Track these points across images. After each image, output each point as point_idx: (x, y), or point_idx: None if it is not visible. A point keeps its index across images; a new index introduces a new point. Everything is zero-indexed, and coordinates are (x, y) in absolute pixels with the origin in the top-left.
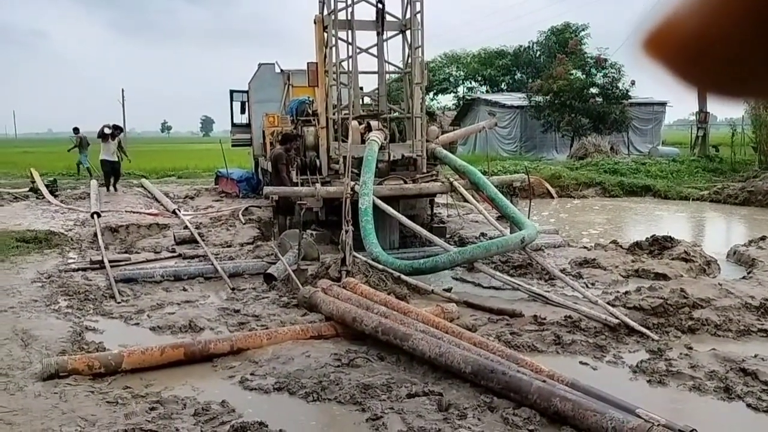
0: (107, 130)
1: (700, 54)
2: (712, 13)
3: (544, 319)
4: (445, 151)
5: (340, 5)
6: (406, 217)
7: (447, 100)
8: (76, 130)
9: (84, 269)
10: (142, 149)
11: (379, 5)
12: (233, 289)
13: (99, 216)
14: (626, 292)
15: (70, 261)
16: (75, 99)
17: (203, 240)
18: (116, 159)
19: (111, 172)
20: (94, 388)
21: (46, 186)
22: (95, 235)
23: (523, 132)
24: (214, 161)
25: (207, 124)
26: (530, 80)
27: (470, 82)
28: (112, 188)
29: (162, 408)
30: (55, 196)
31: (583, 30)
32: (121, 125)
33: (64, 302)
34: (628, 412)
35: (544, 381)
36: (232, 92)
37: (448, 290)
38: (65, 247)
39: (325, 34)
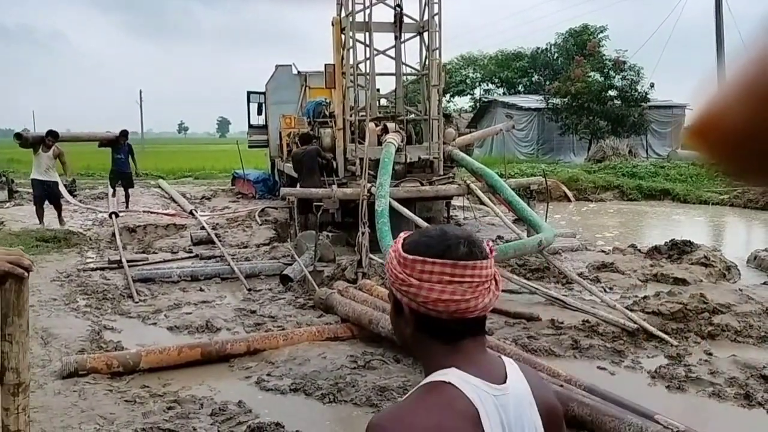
0: (28, 133)
1: (738, 146)
2: (752, 110)
3: (562, 323)
4: (462, 154)
5: (358, 7)
6: (422, 219)
7: (464, 102)
8: None
9: (102, 269)
10: (159, 150)
11: (397, 8)
12: (249, 289)
13: (117, 216)
14: (645, 297)
15: (88, 260)
16: (93, 99)
17: (220, 241)
18: (52, 178)
19: (44, 196)
20: (112, 386)
21: (65, 186)
22: (113, 234)
23: (540, 134)
24: (231, 162)
25: (223, 124)
26: (548, 82)
27: (487, 84)
28: (47, 221)
29: (179, 407)
30: (74, 196)
31: (602, 32)
32: (127, 129)
33: (82, 301)
34: (646, 418)
35: (561, 385)
36: (249, 93)
37: None
38: (84, 247)
39: (343, 36)
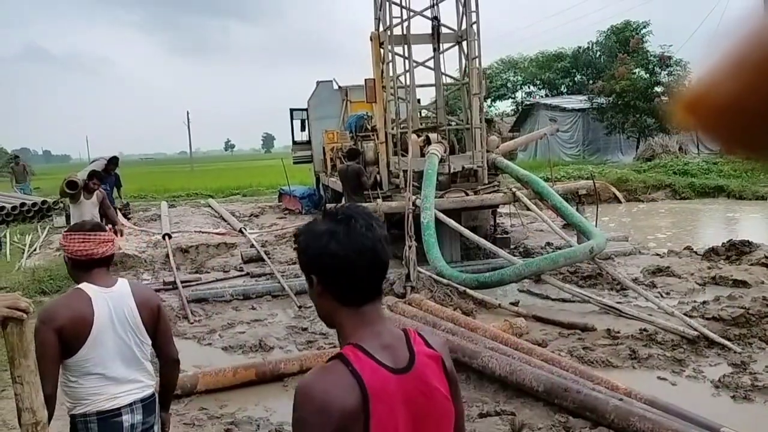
0: (79, 179)
1: (730, 119)
2: (745, 83)
3: (618, 332)
4: (506, 161)
5: (396, 21)
6: (468, 229)
7: (505, 105)
8: (16, 158)
9: (158, 290)
10: (207, 168)
11: (435, 20)
12: (300, 307)
13: (170, 237)
14: (704, 302)
15: (144, 282)
16: (142, 121)
17: (269, 258)
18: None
19: None
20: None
21: (119, 209)
22: (167, 256)
23: (585, 135)
24: (277, 178)
25: (268, 140)
26: (591, 82)
27: (528, 87)
28: None
29: (237, 429)
30: (128, 219)
31: (645, 27)
32: (117, 155)
33: None
34: (711, 431)
35: (621, 399)
36: (292, 111)
37: (516, 304)
38: (139, 269)
39: (381, 50)
